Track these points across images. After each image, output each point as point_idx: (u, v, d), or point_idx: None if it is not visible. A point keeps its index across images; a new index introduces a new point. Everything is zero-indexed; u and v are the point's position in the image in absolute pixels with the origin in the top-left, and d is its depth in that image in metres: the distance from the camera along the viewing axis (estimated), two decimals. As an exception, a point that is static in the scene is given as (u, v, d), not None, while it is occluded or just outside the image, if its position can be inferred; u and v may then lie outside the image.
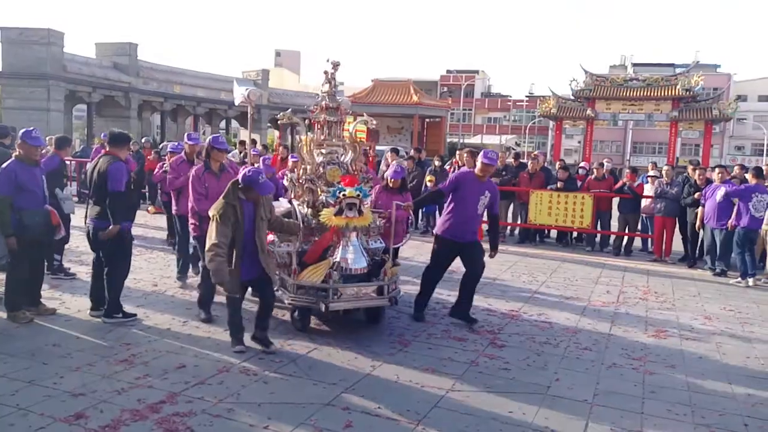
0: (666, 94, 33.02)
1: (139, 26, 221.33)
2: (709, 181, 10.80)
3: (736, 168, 12.02)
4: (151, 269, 8.57)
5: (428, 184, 11.95)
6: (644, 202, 12.01)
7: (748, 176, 10.28)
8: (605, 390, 4.94)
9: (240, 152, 15.23)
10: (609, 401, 4.71)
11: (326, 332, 6.09)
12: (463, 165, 12.24)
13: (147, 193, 16.50)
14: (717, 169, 10.65)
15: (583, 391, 4.88)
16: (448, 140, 53.03)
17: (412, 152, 14.60)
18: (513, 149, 39.96)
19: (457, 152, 14.28)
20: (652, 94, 33.42)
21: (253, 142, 16.13)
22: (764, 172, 10.33)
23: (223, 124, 42.33)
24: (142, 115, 35.88)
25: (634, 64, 61.94)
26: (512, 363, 5.45)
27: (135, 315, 6.24)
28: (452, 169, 13.72)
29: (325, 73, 6.69)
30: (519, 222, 13.17)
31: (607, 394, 4.84)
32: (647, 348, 6.10)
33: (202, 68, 43.89)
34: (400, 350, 5.66)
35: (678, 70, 38.99)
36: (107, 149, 6.27)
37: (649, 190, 12.16)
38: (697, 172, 11.21)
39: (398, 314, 6.83)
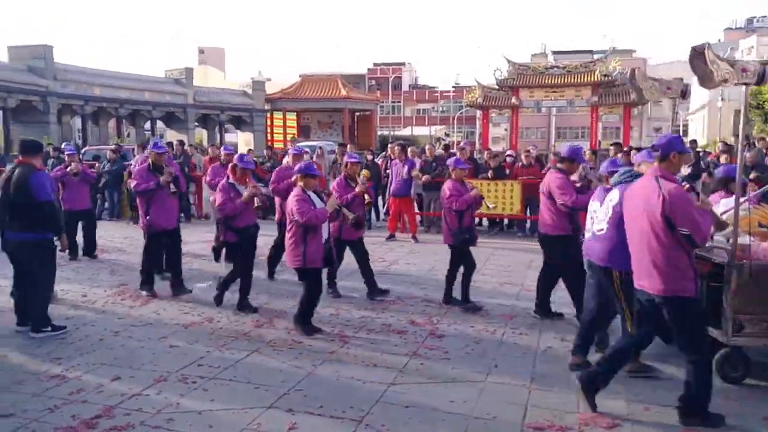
0: (585, 80, 34.05)
1: (52, 28, 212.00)
2: None
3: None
4: (80, 279, 8.27)
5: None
6: (571, 187, 12.37)
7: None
8: (542, 373, 5.08)
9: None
10: (546, 384, 4.84)
11: (264, 334, 6.03)
12: (395, 158, 12.37)
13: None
14: (632, 152, 11.13)
15: (520, 376, 5.01)
16: (379, 133, 53.24)
17: (336, 148, 14.63)
18: (443, 140, 40.47)
19: (389, 145, 14.36)
20: (572, 80, 34.39)
21: (181, 143, 15.78)
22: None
23: (148, 125, 41.03)
24: (62, 119, 34.37)
25: (554, 52, 63.68)
26: (452, 352, 5.54)
27: (64, 327, 6.03)
28: (384, 163, 13.81)
29: None
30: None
31: (543, 378, 4.98)
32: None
33: (123, 69, 42.53)
34: (340, 347, 5.66)
35: (596, 57, 40.24)
36: (20, 159, 6.01)
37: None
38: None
39: (336, 310, 6.84)
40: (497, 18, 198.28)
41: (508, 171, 13.09)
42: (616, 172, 5.27)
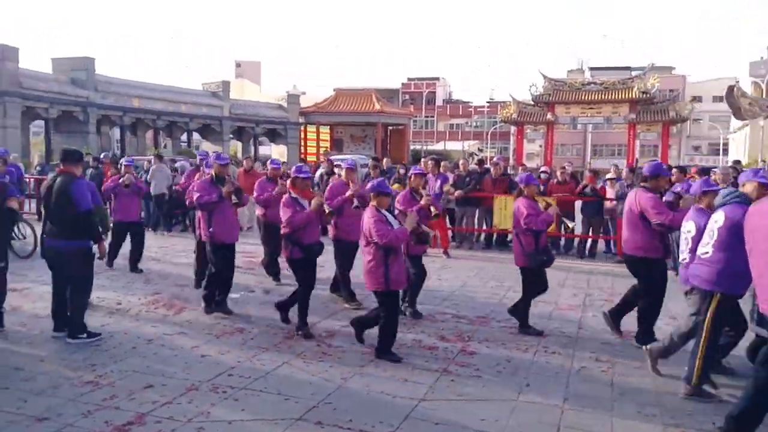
0: (623, 96, 33.74)
1: (93, 40, 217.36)
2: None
3: (692, 169, 12.35)
4: (115, 287, 8.39)
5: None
6: (607, 204, 12.20)
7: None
8: (575, 394, 4.98)
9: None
10: (579, 405, 4.75)
11: (295, 345, 6.04)
12: (429, 172, 12.34)
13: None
14: (673, 170, 10.92)
15: (553, 395, 4.93)
16: (412, 147, 53.34)
17: (369, 162, 14.66)
18: (476, 155, 40.35)
19: (422, 160, 14.35)
20: (609, 97, 34.12)
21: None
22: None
23: (184, 136, 41.79)
24: (101, 129, 35.25)
25: (591, 68, 63.23)
26: (483, 370, 5.48)
27: (99, 334, 6.11)
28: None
29: None
30: (484, 227, 13.28)
31: (577, 398, 4.88)
32: (614, 350, 6.18)
33: (161, 81, 43.50)
34: (370, 361, 5.64)
35: (634, 73, 39.87)
36: (61, 168, 6.15)
37: (610, 192, 12.35)
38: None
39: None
40: (534, 34, 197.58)
41: (542, 188, 12.95)
42: (711, 192, 5.18)
